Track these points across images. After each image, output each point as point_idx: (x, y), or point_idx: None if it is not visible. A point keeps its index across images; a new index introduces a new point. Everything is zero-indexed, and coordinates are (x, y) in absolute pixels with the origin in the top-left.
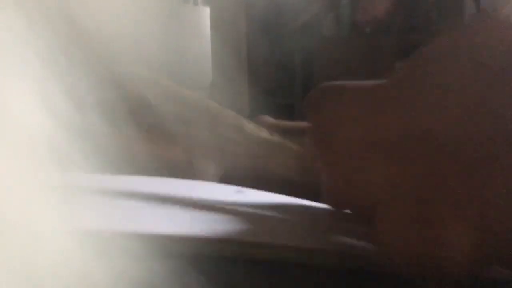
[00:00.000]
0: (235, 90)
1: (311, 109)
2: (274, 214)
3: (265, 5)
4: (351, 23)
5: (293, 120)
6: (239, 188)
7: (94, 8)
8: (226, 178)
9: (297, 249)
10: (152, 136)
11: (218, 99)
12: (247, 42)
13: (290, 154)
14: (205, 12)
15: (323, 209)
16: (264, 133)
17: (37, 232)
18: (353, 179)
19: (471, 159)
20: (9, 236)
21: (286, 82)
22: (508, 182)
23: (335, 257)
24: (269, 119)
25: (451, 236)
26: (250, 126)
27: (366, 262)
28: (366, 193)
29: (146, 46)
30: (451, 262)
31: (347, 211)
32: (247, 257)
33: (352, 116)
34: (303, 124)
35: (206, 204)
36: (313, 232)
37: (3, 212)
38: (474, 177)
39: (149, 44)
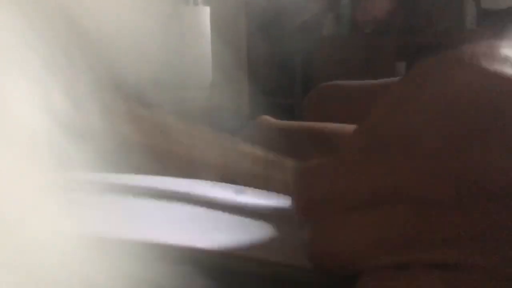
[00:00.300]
0: (235, 90)
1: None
2: (274, 214)
3: (265, 5)
4: (351, 23)
5: (293, 120)
6: (239, 188)
7: (94, 8)
8: (226, 178)
9: (296, 268)
10: (151, 136)
11: (218, 99)
12: (247, 42)
13: (287, 172)
14: (205, 12)
15: None
16: (259, 152)
17: (37, 232)
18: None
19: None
20: (9, 236)
21: (286, 82)
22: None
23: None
24: (269, 119)
25: None
26: (245, 147)
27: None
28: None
29: (146, 46)
30: None
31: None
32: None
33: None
34: (303, 124)
35: (206, 203)
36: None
37: (3, 212)
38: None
39: (149, 44)
